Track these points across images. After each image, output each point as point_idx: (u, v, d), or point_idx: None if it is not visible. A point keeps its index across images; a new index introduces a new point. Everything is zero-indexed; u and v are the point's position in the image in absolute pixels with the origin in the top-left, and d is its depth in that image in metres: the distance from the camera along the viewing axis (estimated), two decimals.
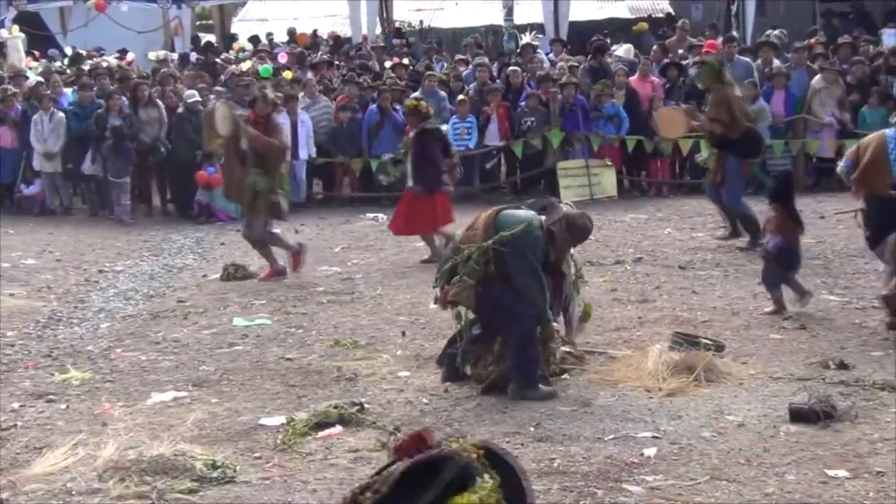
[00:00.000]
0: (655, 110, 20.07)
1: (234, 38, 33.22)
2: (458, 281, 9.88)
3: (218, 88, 22.63)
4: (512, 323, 9.88)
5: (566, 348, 10.73)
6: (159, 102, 21.90)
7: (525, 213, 10.17)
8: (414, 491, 3.18)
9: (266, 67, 24.99)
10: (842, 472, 7.91)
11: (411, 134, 16.67)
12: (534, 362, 9.91)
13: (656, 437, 8.80)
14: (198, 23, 33.77)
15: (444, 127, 18.20)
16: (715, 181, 16.12)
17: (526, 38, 27.99)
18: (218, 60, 27.36)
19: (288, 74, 23.90)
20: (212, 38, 34.59)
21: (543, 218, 10.05)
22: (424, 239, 16.40)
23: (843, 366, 10.42)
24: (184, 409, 9.92)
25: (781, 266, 12.72)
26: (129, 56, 27.95)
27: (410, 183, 16.35)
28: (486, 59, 24.77)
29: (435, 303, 10.41)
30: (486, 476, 3.30)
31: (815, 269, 14.28)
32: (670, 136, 18.96)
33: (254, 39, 31.86)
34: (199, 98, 21.72)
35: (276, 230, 15.68)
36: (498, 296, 9.88)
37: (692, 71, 21.04)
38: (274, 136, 15.24)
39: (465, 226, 10.74)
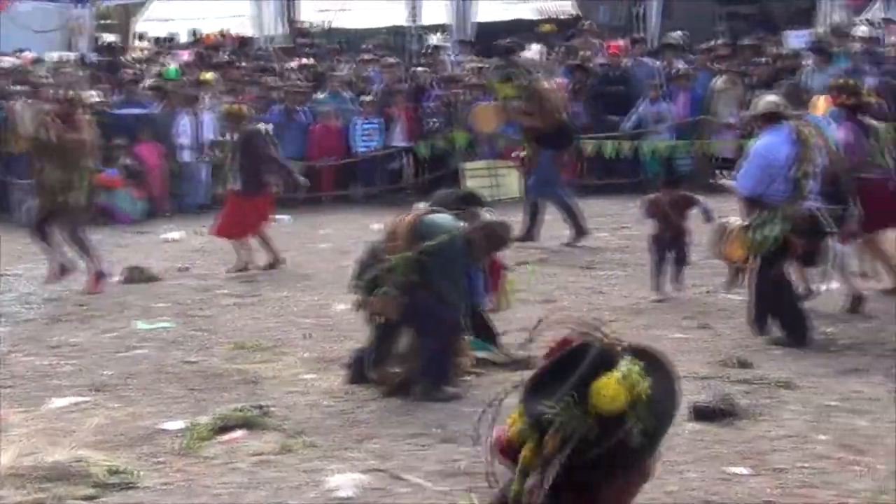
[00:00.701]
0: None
1: (142, 37, 32.92)
2: (382, 293, 9.88)
3: (19, 88, 22.11)
4: (435, 326, 9.91)
5: (484, 355, 10.76)
6: None
7: (445, 220, 10.20)
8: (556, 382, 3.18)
9: (171, 69, 24.81)
10: (743, 470, 8.00)
11: (233, 137, 16.64)
12: (447, 365, 9.94)
13: None
14: (100, 22, 33.35)
15: (268, 127, 17.97)
16: (527, 172, 16.50)
17: (433, 39, 28.01)
18: (123, 59, 27.10)
19: (206, 75, 23.65)
20: (113, 38, 34.20)
21: (463, 224, 10.11)
22: (234, 246, 16.12)
23: (744, 364, 10.55)
24: (84, 414, 9.81)
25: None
26: (28, 55, 27.59)
27: (234, 186, 16.21)
28: (394, 60, 24.73)
29: (357, 308, 10.37)
30: (629, 360, 3.27)
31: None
32: (486, 131, 19.00)
33: (156, 40, 31.69)
34: (100, 98, 21.47)
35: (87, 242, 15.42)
36: (421, 302, 9.91)
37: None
38: (76, 133, 15.02)
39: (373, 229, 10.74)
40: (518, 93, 16.33)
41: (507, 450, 3.37)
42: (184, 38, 31.91)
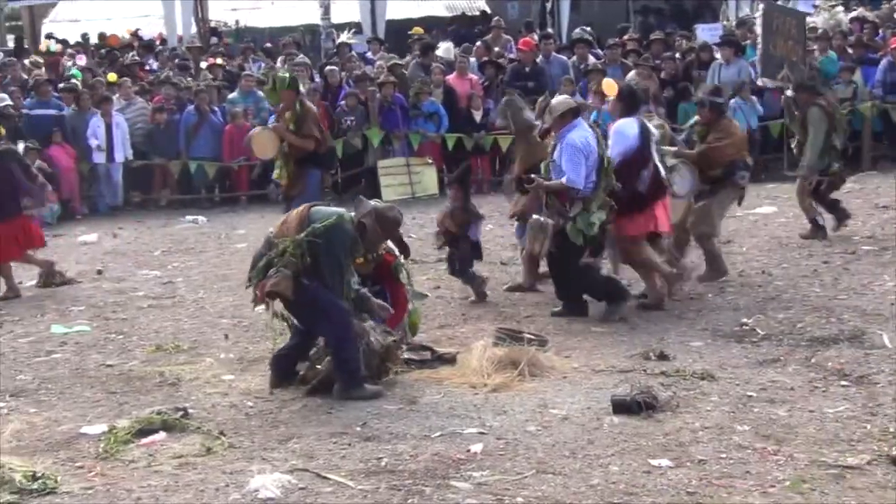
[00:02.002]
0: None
1: (50, 35, 32.52)
2: (275, 272, 9.80)
3: None
4: (325, 322, 9.87)
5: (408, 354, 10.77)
6: None
7: (335, 209, 10.23)
8: None
9: (76, 72, 24.60)
10: (665, 462, 8.04)
11: None
12: (353, 361, 9.88)
13: (482, 433, 8.86)
14: (7, 24, 32.99)
15: (21, 146, 17.30)
16: (289, 195, 15.67)
17: (343, 37, 27.95)
18: (26, 62, 26.74)
19: (112, 77, 23.45)
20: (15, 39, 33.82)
21: (353, 213, 10.10)
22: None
23: (663, 357, 10.61)
24: (1, 419, 9.70)
25: (474, 254, 13.50)
26: None
27: None
28: (306, 59, 24.64)
29: (253, 301, 10.32)
30: None
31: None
32: (264, 157, 18.82)
33: (63, 42, 31.37)
34: (9, 102, 21.22)
35: None
36: (313, 293, 9.83)
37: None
38: None
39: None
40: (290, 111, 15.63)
41: None
42: (94, 39, 31.51)
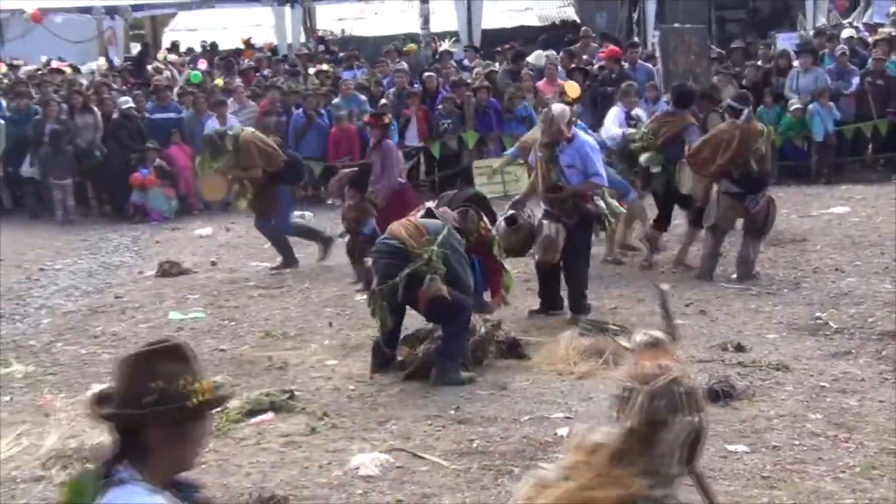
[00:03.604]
0: None
1: (174, 46, 32.89)
2: (430, 281, 9.89)
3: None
4: (458, 312, 9.97)
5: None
6: (95, 109, 21.66)
7: (433, 221, 10.42)
8: None
9: (196, 73, 24.86)
10: (741, 447, 8.00)
11: None
12: (459, 351, 9.98)
13: (568, 418, 8.85)
14: (130, 33, 33.37)
15: None
16: (263, 215, 15.60)
17: (445, 45, 28.00)
18: (149, 68, 27.08)
19: (219, 83, 23.70)
20: (142, 45, 34.23)
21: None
22: None
23: (740, 348, 10.54)
24: None
25: (369, 245, 13.41)
26: (58, 64, 27.70)
27: None
28: (404, 65, 24.69)
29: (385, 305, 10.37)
30: None
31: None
32: (216, 199, 18.56)
33: (174, 47, 31.83)
34: (133, 104, 21.54)
35: None
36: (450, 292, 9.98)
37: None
38: None
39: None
40: (225, 160, 15.33)
41: None
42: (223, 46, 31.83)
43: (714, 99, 15.86)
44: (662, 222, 14.65)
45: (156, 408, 3.51)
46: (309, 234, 16.15)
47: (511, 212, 12.01)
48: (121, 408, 3.55)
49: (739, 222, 13.76)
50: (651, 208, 14.82)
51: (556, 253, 11.86)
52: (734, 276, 13.51)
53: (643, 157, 14.23)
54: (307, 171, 16.87)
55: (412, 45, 28.78)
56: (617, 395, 4.32)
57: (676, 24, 24.49)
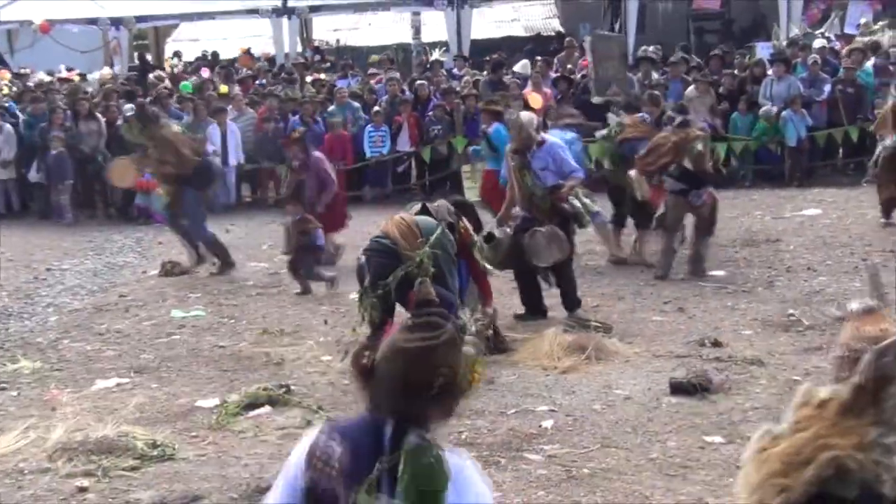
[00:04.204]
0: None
1: (178, 55, 32.87)
2: (420, 283, 9.86)
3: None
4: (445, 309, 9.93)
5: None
6: (99, 116, 21.63)
7: (427, 220, 10.35)
8: None
9: (186, 84, 24.82)
10: (717, 438, 8.01)
11: None
12: None
13: (553, 411, 8.86)
14: (135, 43, 33.33)
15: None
16: (174, 212, 15.43)
17: (436, 55, 28.05)
18: (151, 76, 27.05)
19: (223, 89, 23.67)
20: (147, 57, 34.20)
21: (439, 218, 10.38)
22: None
23: (717, 344, 10.55)
24: (126, 393, 9.83)
25: (314, 256, 13.84)
26: (67, 73, 27.67)
27: None
28: (397, 74, 24.71)
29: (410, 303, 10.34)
30: None
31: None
32: (122, 185, 18.47)
33: (178, 55, 31.86)
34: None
35: None
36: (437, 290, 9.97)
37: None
38: None
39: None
40: (147, 139, 15.29)
41: None
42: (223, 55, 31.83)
43: (637, 109, 15.95)
44: (618, 219, 14.73)
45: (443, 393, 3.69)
46: (219, 249, 15.58)
47: (487, 230, 11.89)
48: (408, 396, 3.65)
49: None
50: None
51: (565, 245, 11.79)
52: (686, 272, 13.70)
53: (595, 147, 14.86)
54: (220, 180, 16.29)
55: (374, 57, 28.93)
56: (842, 355, 4.38)
57: (604, 31, 24.70)
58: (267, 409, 9.16)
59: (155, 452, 8.14)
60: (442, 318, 3.81)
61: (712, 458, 7.68)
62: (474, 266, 10.78)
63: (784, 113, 20.73)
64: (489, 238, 11.74)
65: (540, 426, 8.50)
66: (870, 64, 22.06)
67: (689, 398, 8.95)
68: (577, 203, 12.10)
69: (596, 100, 20.47)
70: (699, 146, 13.43)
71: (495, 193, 14.50)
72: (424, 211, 10.48)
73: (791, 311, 11.73)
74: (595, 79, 20.78)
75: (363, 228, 15.82)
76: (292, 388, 9.60)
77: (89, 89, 24.92)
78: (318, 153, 15.47)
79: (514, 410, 8.93)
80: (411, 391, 3.65)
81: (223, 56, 31.85)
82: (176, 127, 16.18)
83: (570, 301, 11.93)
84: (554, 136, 12.68)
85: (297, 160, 14.92)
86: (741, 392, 9.11)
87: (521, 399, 9.21)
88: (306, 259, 13.87)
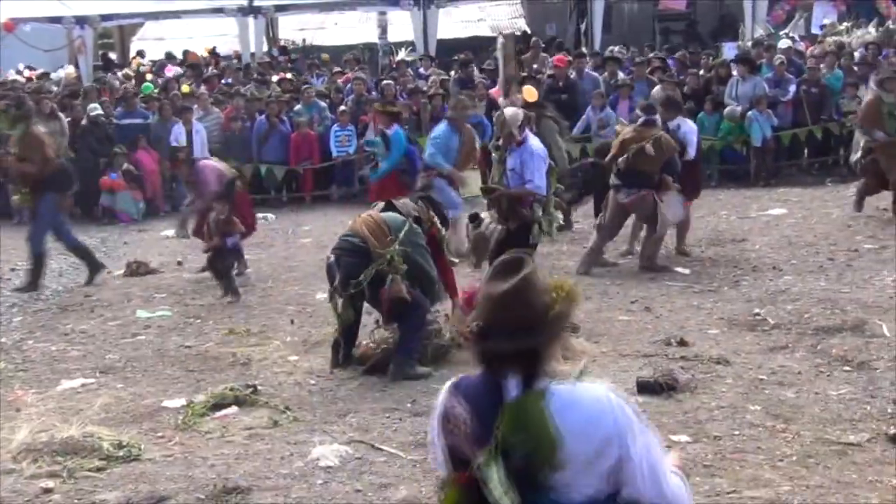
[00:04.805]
0: None
1: (142, 54, 32.70)
2: (391, 282, 9.84)
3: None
4: (410, 314, 9.93)
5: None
6: (61, 115, 21.48)
7: (394, 215, 10.35)
8: None
9: (147, 85, 24.72)
10: (684, 437, 8.02)
11: None
12: (417, 349, 9.96)
13: None
14: (99, 41, 33.16)
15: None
16: (32, 214, 15.22)
17: (402, 55, 28.04)
18: (119, 75, 26.92)
19: (185, 88, 23.61)
20: (112, 55, 34.03)
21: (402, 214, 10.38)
22: None
23: (683, 343, 10.56)
24: (91, 394, 9.78)
25: (234, 259, 13.85)
26: (29, 72, 27.52)
27: None
28: (362, 74, 24.70)
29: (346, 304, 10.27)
30: None
31: (658, 258, 14.44)
32: None
33: (141, 53, 31.74)
34: (101, 111, 21.41)
35: None
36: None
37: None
38: None
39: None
40: (15, 134, 14.95)
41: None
42: (178, 56, 31.67)
43: (543, 106, 16.02)
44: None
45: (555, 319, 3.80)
46: (83, 253, 15.34)
47: (472, 212, 11.95)
48: (525, 338, 3.69)
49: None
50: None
51: (485, 253, 11.78)
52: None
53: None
54: (76, 182, 15.81)
55: (325, 56, 28.96)
56: None
57: (513, 31, 24.94)
58: (234, 409, 9.12)
59: (121, 453, 8.09)
60: (516, 256, 3.80)
61: (678, 457, 7.69)
62: (441, 260, 10.77)
63: (749, 113, 20.86)
64: (474, 218, 11.79)
65: None
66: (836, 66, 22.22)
67: (655, 397, 8.96)
68: (539, 212, 12.03)
69: (502, 101, 20.52)
70: (648, 146, 13.52)
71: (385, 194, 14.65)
72: (390, 207, 10.48)
73: (757, 310, 11.77)
74: (503, 79, 20.83)
75: (330, 228, 15.86)
76: (259, 388, 9.57)
77: (54, 88, 24.80)
78: (204, 161, 14.92)
79: None
80: (525, 331, 3.65)
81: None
82: (42, 128, 15.75)
83: None
84: (537, 143, 12.51)
85: (189, 179, 14.59)
86: (707, 391, 9.14)
87: None
88: (226, 260, 13.74)
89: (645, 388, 9.10)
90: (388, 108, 16.53)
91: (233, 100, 22.67)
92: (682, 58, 24.22)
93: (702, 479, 7.26)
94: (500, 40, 20.33)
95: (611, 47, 26.72)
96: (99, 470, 7.83)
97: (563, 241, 15.10)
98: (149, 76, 26.77)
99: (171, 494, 7.38)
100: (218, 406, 9.13)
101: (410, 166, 16.04)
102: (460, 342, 10.42)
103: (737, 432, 8.09)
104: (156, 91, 23.79)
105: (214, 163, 14.74)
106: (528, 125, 12.42)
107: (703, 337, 10.86)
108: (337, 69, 26.27)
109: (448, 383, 3.84)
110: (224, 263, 13.70)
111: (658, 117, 14.26)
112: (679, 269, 13.91)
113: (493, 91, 22.16)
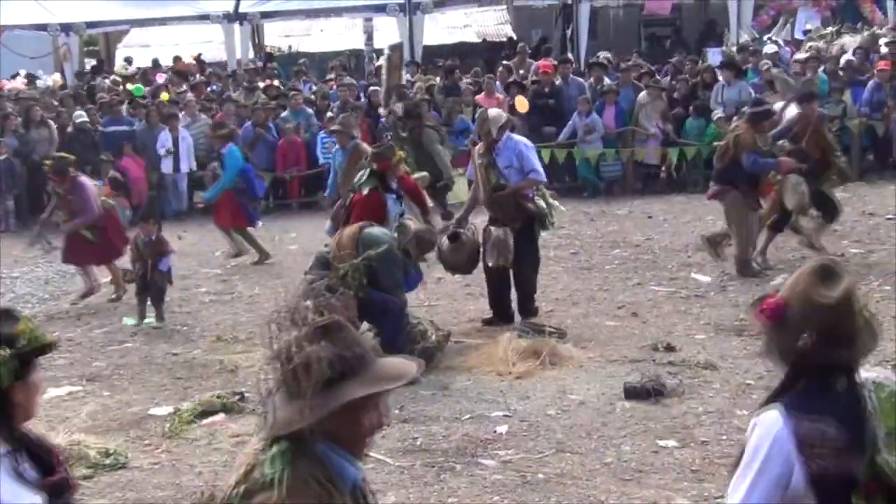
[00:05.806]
0: None
1: (128, 61, 32.65)
2: (339, 295, 9.81)
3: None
4: (383, 315, 9.98)
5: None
6: (51, 122, 21.46)
7: (382, 232, 10.50)
8: None
9: (138, 87, 24.70)
10: (671, 443, 8.05)
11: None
12: (401, 348, 9.94)
13: (507, 416, 8.87)
14: (85, 49, 33.11)
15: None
16: None
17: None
18: (107, 81, 26.88)
19: (164, 96, 23.60)
20: (97, 62, 33.98)
21: (397, 236, 10.53)
22: None
23: (670, 348, 10.59)
24: (78, 402, 9.77)
25: (168, 282, 13.30)
26: (10, 79, 27.49)
27: None
28: (352, 80, 24.71)
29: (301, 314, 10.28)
30: None
31: (644, 263, 14.47)
32: None
33: (128, 60, 31.70)
34: (87, 118, 21.38)
35: None
36: (373, 297, 9.98)
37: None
38: None
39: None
40: None
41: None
42: (165, 63, 31.65)
43: (422, 115, 16.05)
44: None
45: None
46: None
47: (452, 228, 11.94)
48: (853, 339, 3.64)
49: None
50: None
51: (510, 254, 11.77)
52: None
53: None
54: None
55: (302, 61, 28.99)
56: None
57: (398, 41, 25.31)
58: (221, 416, 9.13)
59: (108, 461, 8.09)
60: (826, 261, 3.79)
61: (666, 462, 7.72)
62: (407, 181, 11.40)
63: (736, 118, 20.86)
64: (454, 237, 11.79)
65: (495, 432, 8.51)
66: (821, 70, 22.28)
67: (642, 402, 8.98)
68: (542, 204, 12.05)
69: (382, 111, 20.63)
70: None
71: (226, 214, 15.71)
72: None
73: (743, 315, 11.78)
74: (385, 89, 20.92)
75: (317, 235, 15.80)
76: (246, 395, 9.56)
77: (38, 95, 24.76)
78: (84, 179, 14.68)
79: (468, 416, 8.94)
80: (850, 336, 3.62)
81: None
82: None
83: (526, 308, 11.95)
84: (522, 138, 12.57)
85: (66, 194, 14.21)
86: (694, 396, 9.15)
87: (476, 405, 9.22)
88: (160, 284, 13.18)
89: (632, 393, 9.12)
90: (219, 132, 16.68)
91: (222, 106, 22.64)
92: (679, 64, 24.20)
93: (689, 484, 7.28)
94: (386, 51, 20.39)
95: (603, 53, 26.70)
96: (86, 478, 7.81)
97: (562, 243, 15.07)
98: (132, 85, 26.73)
99: (158, 502, 7.38)
100: (205, 413, 9.15)
101: (248, 185, 16.41)
102: (444, 346, 10.52)
103: (724, 437, 8.11)
104: (144, 98, 23.77)
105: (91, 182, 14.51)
106: (508, 128, 12.38)
107: (690, 342, 10.87)
108: (330, 77, 26.24)
109: (769, 418, 3.75)
110: (159, 287, 13.15)
111: None
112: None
113: (478, 97, 22.26)
